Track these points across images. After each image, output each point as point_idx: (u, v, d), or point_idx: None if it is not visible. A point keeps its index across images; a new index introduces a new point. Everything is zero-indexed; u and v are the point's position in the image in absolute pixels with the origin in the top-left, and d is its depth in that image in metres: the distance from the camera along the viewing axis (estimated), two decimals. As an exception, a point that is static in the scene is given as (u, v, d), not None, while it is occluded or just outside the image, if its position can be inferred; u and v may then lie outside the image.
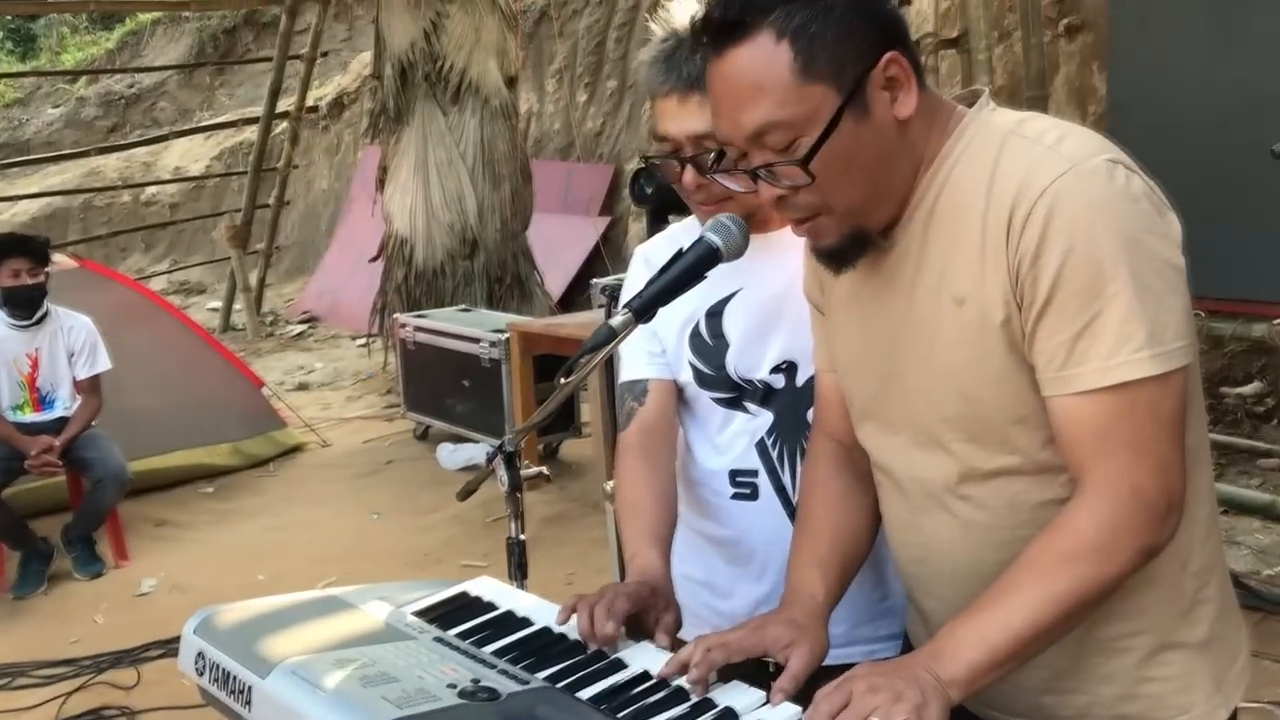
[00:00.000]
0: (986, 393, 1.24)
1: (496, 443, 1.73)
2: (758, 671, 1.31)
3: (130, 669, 3.90)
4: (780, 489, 1.67)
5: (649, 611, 1.43)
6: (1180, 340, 1.17)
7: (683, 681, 1.28)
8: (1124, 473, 1.16)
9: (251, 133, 11.95)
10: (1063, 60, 6.42)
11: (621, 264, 8.46)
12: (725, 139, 1.25)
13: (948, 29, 5.84)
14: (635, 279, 1.76)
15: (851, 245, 1.27)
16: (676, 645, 1.37)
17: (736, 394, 1.68)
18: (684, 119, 1.53)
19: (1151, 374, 1.15)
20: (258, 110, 11.78)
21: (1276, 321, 3.63)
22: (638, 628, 1.42)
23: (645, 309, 1.33)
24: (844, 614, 1.56)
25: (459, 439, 6.20)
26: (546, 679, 1.30)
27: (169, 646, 4.02)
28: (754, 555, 1.71)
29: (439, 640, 1.40)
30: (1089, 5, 6.28)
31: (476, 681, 1.27)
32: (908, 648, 1.56)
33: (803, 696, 1.23)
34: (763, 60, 1.19)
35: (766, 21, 1.18)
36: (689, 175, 1.56)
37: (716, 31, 1.21)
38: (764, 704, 1.23)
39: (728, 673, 1.29)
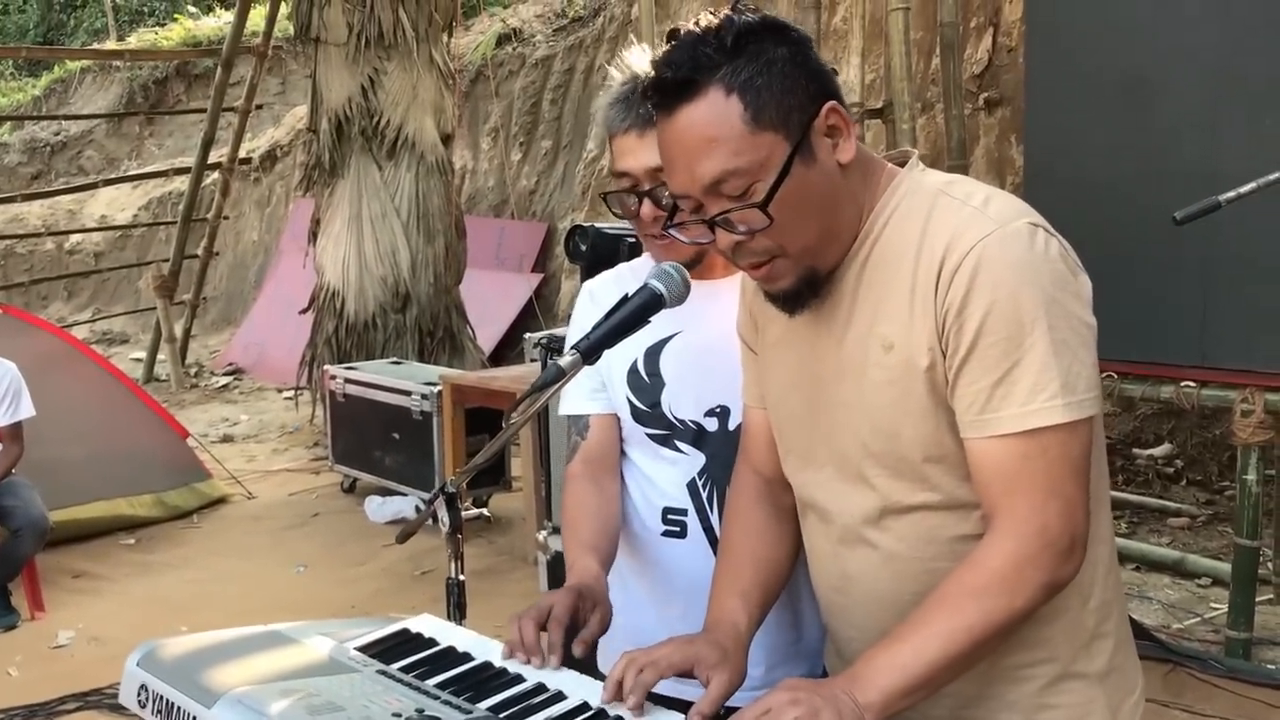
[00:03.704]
0: (907, 432, 1.33)
1: (427, 495, 1.75)
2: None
3: (46, 722, 3.81)
4: (708, 529, 1.72)
5: (578, 613, 1.50)
6: (1090, 392, 1.27)
7: (622, 710, 1.32)
8: (1033, 513, 1.25)
9: (180, 183, 11.89)
10: (982, 132, 6.67)
11: (554, 320, 8.54)
12: (681, 192, 1.32)
13: (873, 100, 6.05)
14: (581, 314, 1.82)
15: (806, 286, 1.35)
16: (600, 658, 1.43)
17: (669, 432, 1.73)
18: (642, 153, 1.61)
19: (1063, 421, 1.24)
20: (187, 161, 11.73)
21: (1184, 384, 3.79)
22: (571, 629, 1.49)
23: (592, 350, 1.39)
24: (761, 655, 1.60)
25: (387, 492, 6.17)
26: (489, 709, 1.34)
27: (86, 699, 3.94)
28: (678, 595, 1.75)
29: (382, 673, 1.43)
30: (1007, 81, 6.55)
31: (421, 711, 1.30)
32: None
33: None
34: (715, 114, 1.26)
35: (715, 78, 1.26)
36: (646, 208, 1.63)
37: (668, 91, 1.29)
38: None
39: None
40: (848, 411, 1.37)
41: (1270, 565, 4.35)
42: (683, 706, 1.33)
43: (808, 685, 1.22)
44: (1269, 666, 3.79)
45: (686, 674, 1.36)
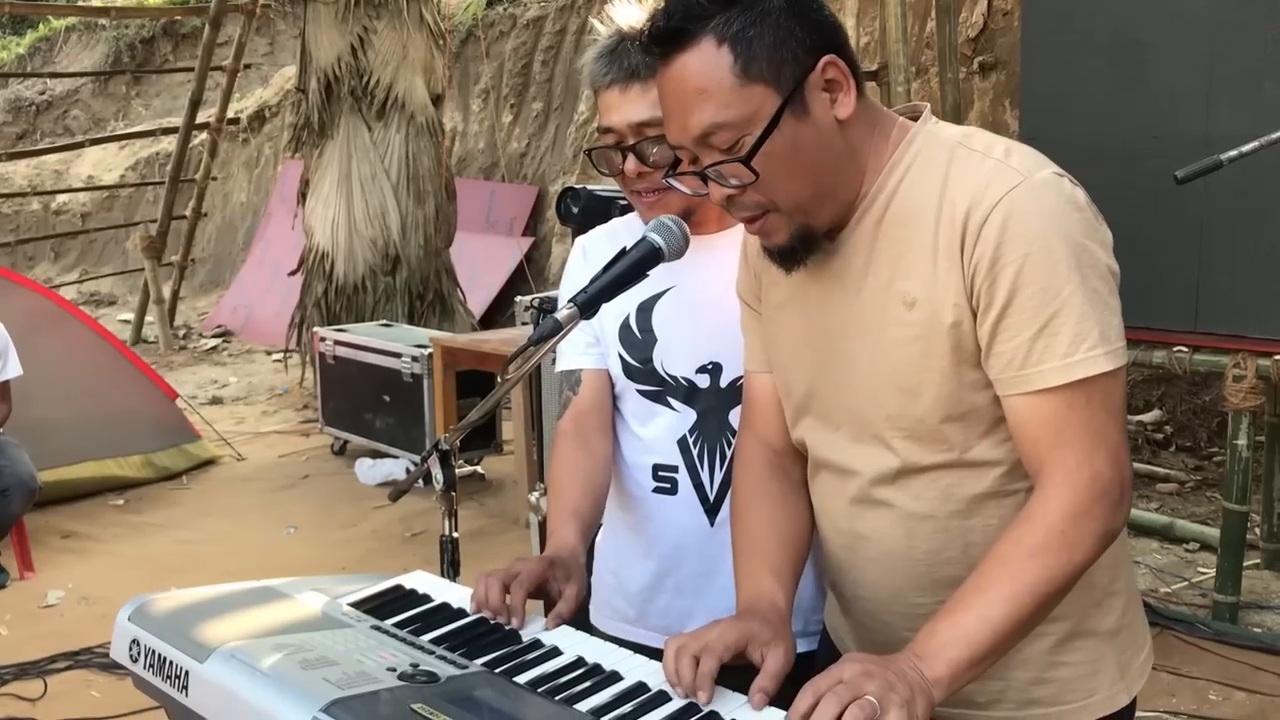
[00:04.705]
0: (928, 391, 1.30)
1: (417, 458, 1.74)
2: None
3: (36, 680, 3.80)
4: (699, 486, 1.72)
5: (550, 583, 1.49)
6: (1121, 340, 1.25)
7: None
8: (1083, 463, 1.23)
9: (168, 143, 11.78)
10: (977, 96, 6.64)
11: (545, 284, 8.50)
12: (676, 142, 1.31)
13: (868, 62, 6.00)
14: (573, 269, 1.80)
15: (801, 243, 1.33)
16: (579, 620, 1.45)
17: (661, 389, 1.72)
18: (625, 108, 1.59)
19: (1106, 370, 1.23)
20: (174, 121, 11.62)
21: (1176, 349, 3.79)
22: (546, 599, 1.49)
23: (590, 304, 1.37)
24: None
25: (377, 454, 6.16)
26: (484, 665, 1.33)
27: (76, 658, 3.94)
28: (669, 551, 1.75)
29: (376, 629, 1.42)
30: (1002, 45, 6.51)
31: (416, 666, 1.29)
32: (825, 640, 1.61)
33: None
34: (705, 65, 1.25)
35: (707, 28, 1.25)
36: (631, 163, 1.61)
37: (661, 39, 1.28)
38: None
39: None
40: (863, 370, 1.35)
41: (1258, 530, 4.38)
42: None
43: (876, 660, 1.17)
44: (1255, 630, 3.82)
45: (740, 654, 1.30)
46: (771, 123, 1.25)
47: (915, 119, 1.36)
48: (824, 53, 1.27)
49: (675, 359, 1.70)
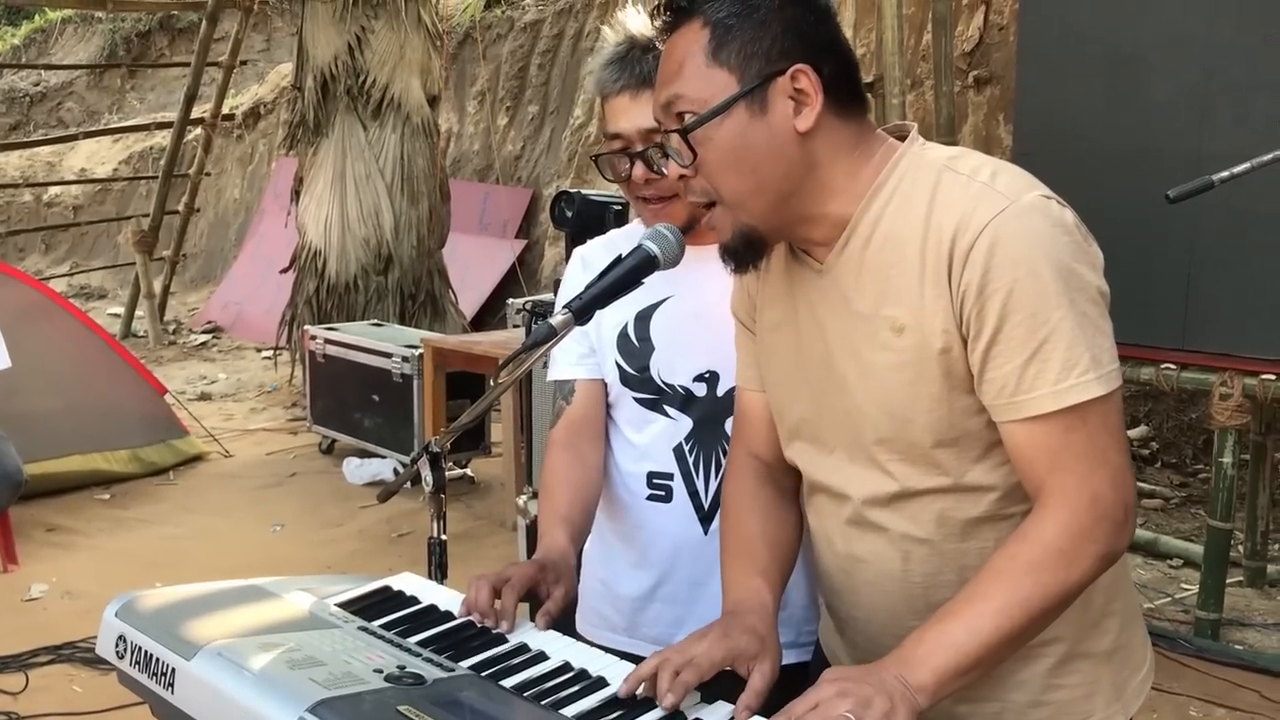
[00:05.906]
0: (920, 417, 1.30)
1: (405, 458, 1.75)
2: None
3: (18, 673, 3.79)
4: (694, 494, 1.72)
5: (541, 586, 1.50)
6: (1115, 362, 1.25)
7: (607, 674, 1.29)
8: (1082, 484, 1.22)
9: (162, 138, 11.77)
10: (971, 110, 6.67)
11: (537, 286, 8.50)
12: (654, 116, 1.37)
13: (863, 74, 6.02)
14: (572, 279, 1.81)
15: (744, 246, 1.33)
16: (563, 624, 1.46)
17: (658, 397, 1.72)
18: (635, 114, 1.61)
19: (1098, 395, 1.22)
20: (169, 115, 11.60)
21: (1164, 366, 3.80)
22: (535, 602, 1.50)
23: (584, 310, 1.38)
24: None
25: (365, 454, 6.14)
26: (470, 668, 1.34)
27: (59, 652, 3.93)
28: (661, 558, 1.75)
29: (363, 630, 1.42)
30: (997, 59, 6.54)
31: (402, 668, 1.30)
32: (819, 654, 1.61)
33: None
34: (687, 41, 1.31)
35: (700, 10, 1.30)
36: (639, 170, 1.63)
37: (665, 17, 1.34)
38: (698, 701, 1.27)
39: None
40: (855, 394, 1.34)
41: (1241, 548, 4.40)
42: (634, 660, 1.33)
43: (854, 674, 1.17)
44: (1236, 647, 3.84)
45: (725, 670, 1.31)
46: (720, 106, 1.28)
47: (902, 139, 1.36)
48: (800, 61, 1.28)
49: (673, 368, 1.71)
